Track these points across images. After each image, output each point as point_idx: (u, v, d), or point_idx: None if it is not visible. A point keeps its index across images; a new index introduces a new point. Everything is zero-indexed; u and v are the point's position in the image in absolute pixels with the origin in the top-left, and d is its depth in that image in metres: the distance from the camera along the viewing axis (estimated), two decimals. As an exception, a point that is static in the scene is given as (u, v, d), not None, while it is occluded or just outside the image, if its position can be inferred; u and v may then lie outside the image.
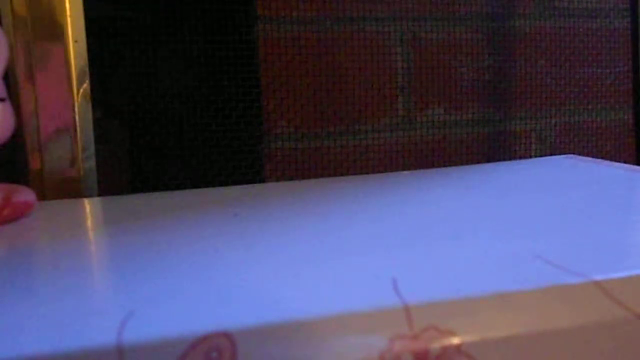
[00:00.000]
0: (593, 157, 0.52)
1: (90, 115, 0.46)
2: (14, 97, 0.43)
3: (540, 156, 0.68)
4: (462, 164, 0.65)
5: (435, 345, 0.18)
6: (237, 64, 0.57)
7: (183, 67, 0.57)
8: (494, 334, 0.18)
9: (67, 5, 0.44)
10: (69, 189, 0.45)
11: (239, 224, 0.30)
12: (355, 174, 0.61)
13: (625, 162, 0.54)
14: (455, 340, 0.18)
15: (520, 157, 0.68)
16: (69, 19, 0.44)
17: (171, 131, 0.57)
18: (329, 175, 0.61)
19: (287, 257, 0.24)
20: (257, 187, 0.40)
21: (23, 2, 0.43)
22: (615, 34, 0.70)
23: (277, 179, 0.61)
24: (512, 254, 0.23)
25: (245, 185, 0.41)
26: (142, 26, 0.54)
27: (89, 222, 0.33)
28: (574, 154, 0.66)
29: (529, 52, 0.67)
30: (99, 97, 0.49)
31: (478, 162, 0.66)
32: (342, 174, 0.61)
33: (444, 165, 0.65)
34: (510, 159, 0.67)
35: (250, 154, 0.59)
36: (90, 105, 0.46)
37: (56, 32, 0.44)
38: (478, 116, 0.66)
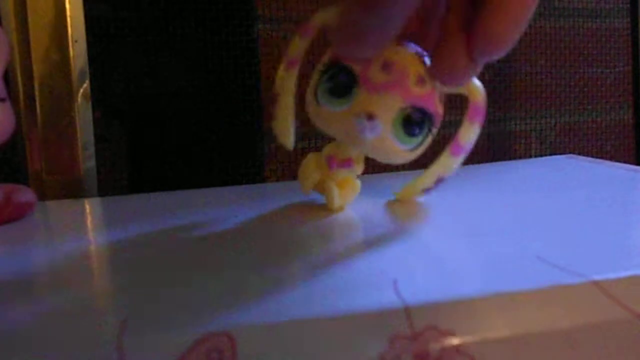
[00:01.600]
0: (593, 157, 0.51)
1: (90, 115, 0.46)
2: (14, 97, 0.43)
3: (540, 156, 0.68)
4: (462, 164, 0.65)
5: (435, 346, 0.18)
6: (237, 64, 0.57)
7: (183, 67, 0.57)
8: (493, 335, 0.18)
9: (67, 5, 0.44)
10: (69, 189, 0.45)
11: (238, 224, 0.30)
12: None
13: (625, 162, 0.54)
14: (455, 341, 0.18)
15: (520, 157, 0.68)
16: (69, 19, 0.44)
17: (171, 131, 0.57)
18: (329, 175, 0.60)
19: (287, 257, 0.24)
20: (257, 187, 0.40)
21: (23, 2, 0.43)
22: (615, 34, 0.70)
23: (277, 179, 0.61)
24: (512, 254, 0.23)
25: (245, 185, 0.41)
26: (142, 26, 0.54)
27: (89, 222, 0.33)
28: (574, 154, 0.66)
29: (529, 52, 0.67)
30: (99, 97, 0.49)
31: (478, 162, 0.66)
32: (342, 174, 0.61)
33: (444, 165, 0.64)
34: (510, 159, 0.67)
35: (250, 154, 0.59)
36: (90, 105, 0.46)
37: (56, 32, 0.44)
38: (478, 116, 0.65)
